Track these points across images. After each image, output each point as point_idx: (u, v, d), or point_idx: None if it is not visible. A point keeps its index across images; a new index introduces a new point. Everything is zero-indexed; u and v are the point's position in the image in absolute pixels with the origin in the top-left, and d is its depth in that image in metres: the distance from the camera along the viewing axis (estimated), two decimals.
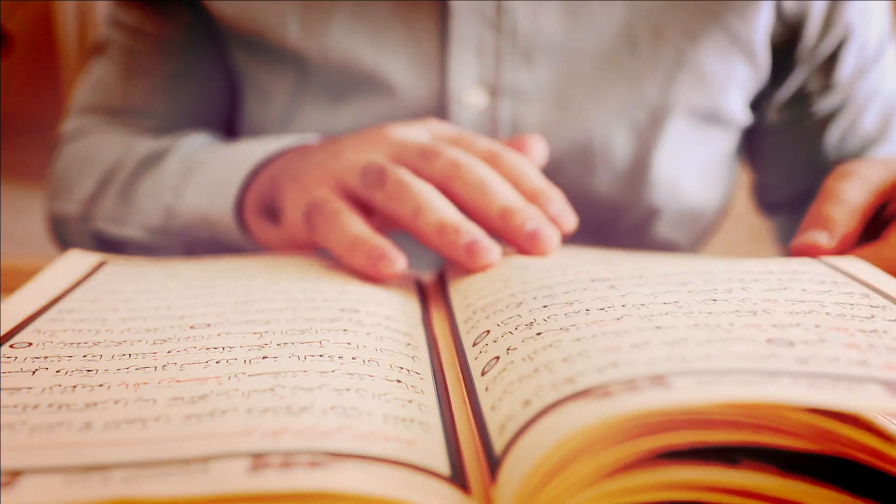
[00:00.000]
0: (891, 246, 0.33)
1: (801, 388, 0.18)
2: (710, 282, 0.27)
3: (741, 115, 0.51)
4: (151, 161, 0.48)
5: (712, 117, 0.50)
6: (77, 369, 0.24)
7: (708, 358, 0.20)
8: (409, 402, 0.24)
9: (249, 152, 0.43)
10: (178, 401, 0.22)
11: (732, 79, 0.49)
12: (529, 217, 0.34)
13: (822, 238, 0.33)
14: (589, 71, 0.48)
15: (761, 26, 0.47)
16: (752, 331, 0.22)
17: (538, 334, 0.24)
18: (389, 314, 0.31)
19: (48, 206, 0.53)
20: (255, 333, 0.27)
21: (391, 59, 0.47)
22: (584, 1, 0.46)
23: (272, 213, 0.40)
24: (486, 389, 0.23)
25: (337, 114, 0.50)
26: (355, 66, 0.48)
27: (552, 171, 0.49)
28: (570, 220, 0.36)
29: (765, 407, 0.19)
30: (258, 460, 0.18)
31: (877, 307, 0.25)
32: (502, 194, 0.34)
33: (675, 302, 0.25)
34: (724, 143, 0.53)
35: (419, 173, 0.35)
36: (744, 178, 0.60)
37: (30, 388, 0.23)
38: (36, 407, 0.22)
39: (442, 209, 0.34)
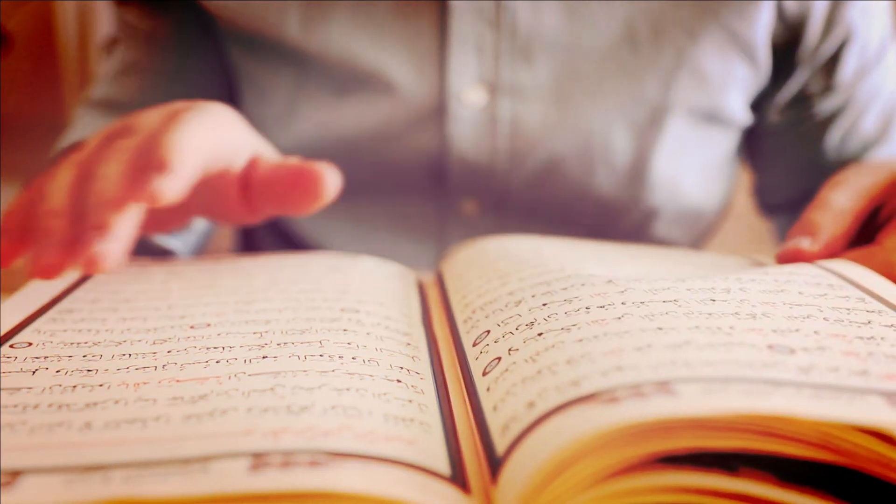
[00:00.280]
0: (885, 250, 0.33)
1: (805, 399, 0.18)
2: (708, 279, 0.28)
3: (741, 116, 0.51)
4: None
5: (712, 117, 0.50)
6: (77, 369, 0.24)
7: (711, 364, 0.20)
8: (410, 401, 0.24)
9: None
10: (178, 400, 0.22)
11: (732, 79, 0.49)
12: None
13: (804, 243, 0.33)
14: (589, 69, 0.48)
15: (762, 27, 0.47)
16: (752, 336, 0.22)
17: (539, 335, 0.24)
18: (389, 314, 0.31)
19: None
20: (255, 333, 0.27)
21: (391, 56, 0.47)
22: (585, 0, 0.47)
23: None
24: (488, 390, 0.23)
25: (336, 111, 0.50)
26: (355, 63, 0.48)
27: (552, 171, 0.49)
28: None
29: (769, 417, 0.19)
30: (258, 460, 0.18)
31: (873, 312, 0.25)
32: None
33: (675, 300, 0.25)
34: (724, 143, 0.53)
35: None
36: (744, 178, 0.60)
37: (30, 388, 0.23)
38: (36, 407, 0.22)
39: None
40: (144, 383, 0.23)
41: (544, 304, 0.27)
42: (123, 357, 0.26)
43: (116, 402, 0.22)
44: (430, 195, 0.52)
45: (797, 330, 0.23)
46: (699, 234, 0.56)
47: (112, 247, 0.27)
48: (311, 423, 0.21)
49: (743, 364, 0.21)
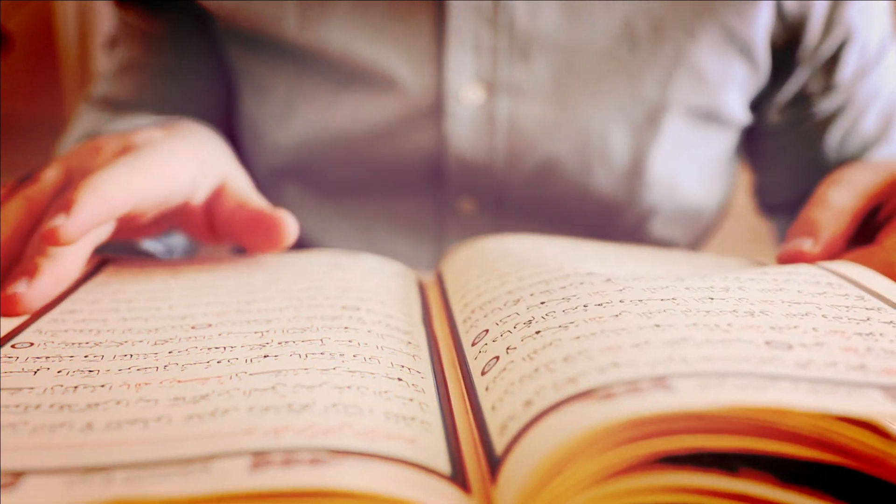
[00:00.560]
0: (885, 249, 0.33)
1: (802, 393, 0.18)
2: (706, 278, 0.27)
3: (740, 115, 0.51)
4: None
5: (710, 116, 0.50)
6: (78, 370, 0.24)
7: (708, 359, 0.20)
8: (410, 400, 0.23)
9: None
10: (180, 401, 0.22)
11: (731, 78, 0.49)
12: None
13: (805, 244, 0.33)
14: (587, 68, 0.48)
15: (761, 26, 0.47)
16: (750, 332, 0.22)
17: (537, 333, 0.24)
18: (391, 312, 0.31)
19: None
20: (256, 333, 0.27)
21: (389, 54, 0.47)
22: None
23: None
24: (487, 389, 0.23)
25: (335, 109, 0.50)
26: (353, 61, 0.48)
27: (550, 170, 0.49)
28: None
29: (766, 411, 0.19)
30: (259, 458, 0.18)
31: (872, 309, 0.25)
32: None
33: (673, 299, 0.25)
34: (723, 142, 0.53)
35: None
36: (744, 178, 0.60)
37: (31, 388, 0.23)
38: (38, 407, 0.22)
39: None
40: (146, 384, 0.23)
41: (542, 303, 0.26)
42: (125, 357, 0.26)
43: (118, 402, 0.22)
44: (428, 194, 0.52)
45: (795, 327, 0.23)
46: (698, 233, 0.56)
47: (34, 289, 0.29)
48: (313, 421, 0.21)
49: (740, 360, 0.20)
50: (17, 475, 0.18)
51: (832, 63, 0.50)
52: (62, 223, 0.28)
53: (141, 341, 0.27)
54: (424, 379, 0.26)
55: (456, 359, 0.27)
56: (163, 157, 0.34)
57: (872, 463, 0.19)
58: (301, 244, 0.56)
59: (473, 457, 0.21)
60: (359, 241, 0.53)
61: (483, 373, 0.24)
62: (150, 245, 0.50)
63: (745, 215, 0.67)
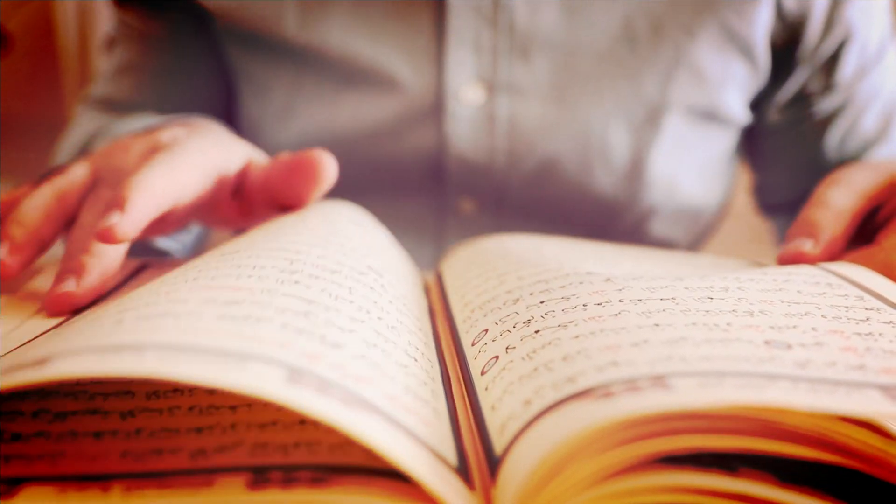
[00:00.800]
0: (884, 250, 0.33)
1: (801, 392, 0.18)
2: (706, 278, 0.27)
3: (740, 115, 0.51)
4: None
5: (711, 116, 0.50)
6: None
7: (707, 359, 0.20)
8: (425, 383, 0.23)
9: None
10: (211, 303, 0.22)
11: (731, 77, 0.49)
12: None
13: (806, 245, 0.33)
14: (587, 68, 0.47)
15: (761, 26, 0.47)
16: (749, 332, 0.22)
17: (536, 332, 0.24)
18: (406, 294, 0.30)
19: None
20: (286, 259, 0.27)
21: (389, 54, 0.47)
22: None
23: None
24: (486, 389, 0.23)
25: (335, 109, 0.50)
26: (353, 61, 0.48)
27: (550, 169, 0.49)
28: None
29: (765, 410, 0.19)
30: (296, 375, 0.18)
31: (871, 310, 0.25)
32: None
33: (672, 298, 0.25)
34: (723, 142, 0.53)
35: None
36: (744, 178, 0.60)
37: None
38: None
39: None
40: (175, 290, 0.23)
41: (542, 303, 0.26)
42: (153, 281, 0.25)
43: (147, 304, 0.22)
44: (428, 194, 0.52)
45: (794, 327, 0.23)
46: (698, 233, 0.56)
47: (82, 287, 0.30)
48: (344, 362, 0.20)
49: (739, 359, 0.20)
50: (44, 359, 0.18)
51: (832, 63, 0.50)
52: (117, 221, 0.29)
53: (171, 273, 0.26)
54: (434, 368, 0.26)
55: (456, 358, 0.27)
56: (194, 153, 0.34)
57: (872, 462, 0.19)
58: None
59: (474, 456, 0.21)
60: None
61: (483, 373, 0.24)
62: (164, 243, 0.50)
63: (745, 215, 0.67)
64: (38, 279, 0.35)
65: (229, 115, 0.57)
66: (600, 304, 0.25)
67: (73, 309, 0.30)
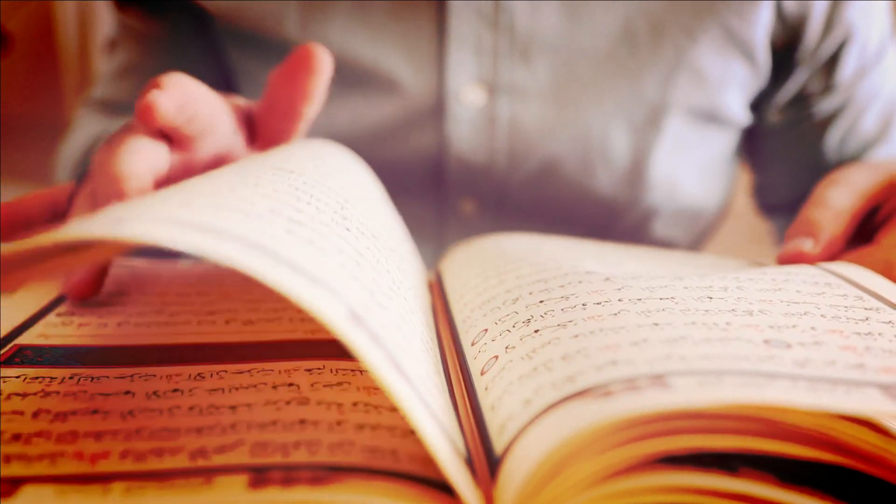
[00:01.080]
0: (883, 249, 0.33)
1: (801, 391, 0.18)
2: (705, 278, 0.27)
3: (740, 115, 0.51)
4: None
5: (711, 117, 0.50)
6: None
7: (707, 358, 0.20)
8: (438, 373, 0.24)
9: None
10: (278, 214, 0.21)
11: (731, 78, 0.49)
12: None
13: (806, 244, 0.33)
14: (588, 69, 0.47)
15: (761, 27, 0.47)
16: (749, 331, 0.22)
17: (536, 331, 0.24)
18: (415, 287, 0.31)
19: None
20: (337, 202, 0.26)
21: (389, 56, 0.47)
22: (583, 0, 0.46)
23: None
24: (486, 389, 0.23)
25: (336, 110, 0.50)
26: (354, 62, 0.48)
27: (551, 171, 0.49)
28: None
29: (765, 409, 0.19)
30: (355, 318, 0.18)
31: (870, 309, 0.25)
32: None
33: (672, 298, 0.25)
34: (724, 142, 0.53)
35: None
36: (744, 178, 0.60)
37: None
38: None
39: None
40: (238, 189, 0.23)
41: (541, 302, 0.26)
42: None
43: (213, 193, 0.21)
44: (428, 195, 0.52)
45: (794, 326, 0.23)
46: (699, 233, 0.56)
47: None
48: (389, 324, 0.20)
49: (739, 358, 0.20)
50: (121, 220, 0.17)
51: (832, 63, 0.50)
52: (157, 95, 0.28)
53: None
54: (438, 364, 0.26)
55: (456, 359, 0.27)
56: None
57: (872, 461, 0.19)
58: None
59: (473, 457, 0.21)
60: None
61: (482, 372, 0.24)
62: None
63: (745, 215, 0.67)
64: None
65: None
66: (600, 303, 0.25)
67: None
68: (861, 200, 0.35)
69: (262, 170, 0.26)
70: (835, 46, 0.49)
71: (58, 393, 0.23)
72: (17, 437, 0.20)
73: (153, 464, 0.19)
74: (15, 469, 0.19)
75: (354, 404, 0.23)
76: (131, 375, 0.24)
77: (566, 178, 0.49)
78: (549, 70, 0.47)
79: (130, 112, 0.52)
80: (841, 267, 0.30)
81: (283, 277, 0.17)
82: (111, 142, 0.31)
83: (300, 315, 0.30)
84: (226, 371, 0.25)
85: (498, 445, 0.20)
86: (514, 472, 0.18)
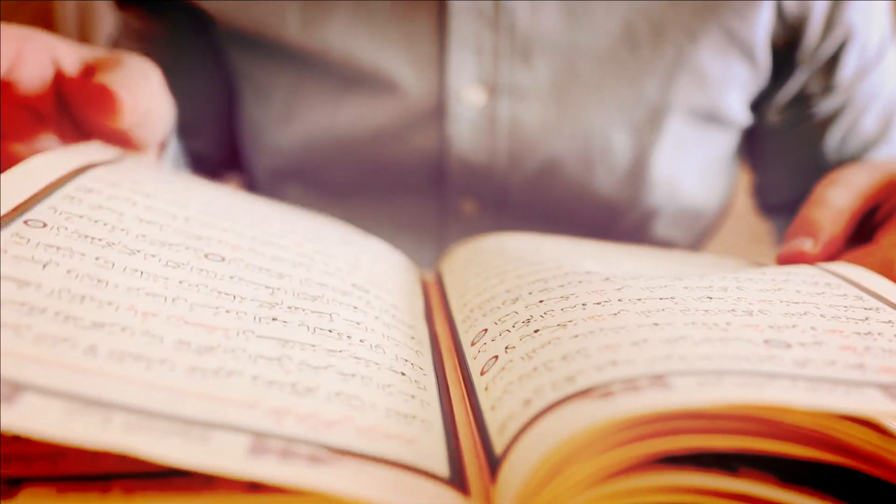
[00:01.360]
0: (882, 249, 0.33)
1: (801, 391, 0.18)
2: (705, 278, 0.27)
3: (741, 116, 0.51)
4: None
5: (712, 117, 0.50)
6: (88, 274, 0.23)
7: (707, 358, 0.20)
8: (413, 397, 0.23)
9: None
10: (185, 346, 0.21)
11: (732, 79, 0.49)
12: None
13: (806, 244, 0.33)
14: (588, 69, 0.47)
15: (762, 27, 0.47)
16: (749, 331, 0.22)
17: (536, 331, 0.24)
18: (396, 303, 0.30)
19: None
20: (267, 288, 0.26)
21: (390, 56, 0.47)
22: (584, 0, 0.46)
23: None
24: (486, 389, 0.23)
25: (336, 111, 0.50)
26: (354, 63, 0.48)
27: (551, 171, 0.49)
28: None
29: (765, 409, 0.19)
30: (259, 442, 0.18)
31: (870, 309, 0.25)
32: None
33: (672, 298, 0.25)
34: (724, 143, 0.53)
35: None
36: (744, 179, 0.60)
37: (39, 285, 0.22)
38: (43, 311, 0.20)
39: None
40: (153, 314, 0.22)
41: (541, 302, 0.26)
42: (136, 274, 0.24)
43: (123, 329, 0.21)
44: (429, 195, 0.52)
45: (794, 326, 0.23)
46: (699, 234, 0.56)
47: None
48: (315, 409, 0.20)
49: (739, 358, 0.20)
50: (17, 388, 0.17)
51: (832, 63, 0.50)
52: (126, 97, 0.30)
53: (153, 256, 0.26)
54: (426, 376, 0.26)
55: (456, 359, 0.27)
56: None
57: (872, 461, 0.19)
58: None
59: (473, 457, 0.21)
60: None
61: (482, 372, 0.24)
62: None
63: (745, 215, 0.67)
64: None
65: (230, 116, 0.57)
66: (599, 303, 0.25)
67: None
68: (860, 200, 0.36)
69: (194, 256, 0.27)
70: (835, 47, 0.49)
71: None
72: (17, 437, 0.20)
73: (153, 464, 0.19)
74: (15, 469, 0.19)
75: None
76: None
77: (567, 178, 0.49)
78: (549, 70, 0.47)
79: None
80: (840, 267, 0.30)
81: (171, 445, 0.17)
82: None
83: None
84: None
85: (498, 445, 0.20)
86: (514, 473, 0.18)
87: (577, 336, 0.23)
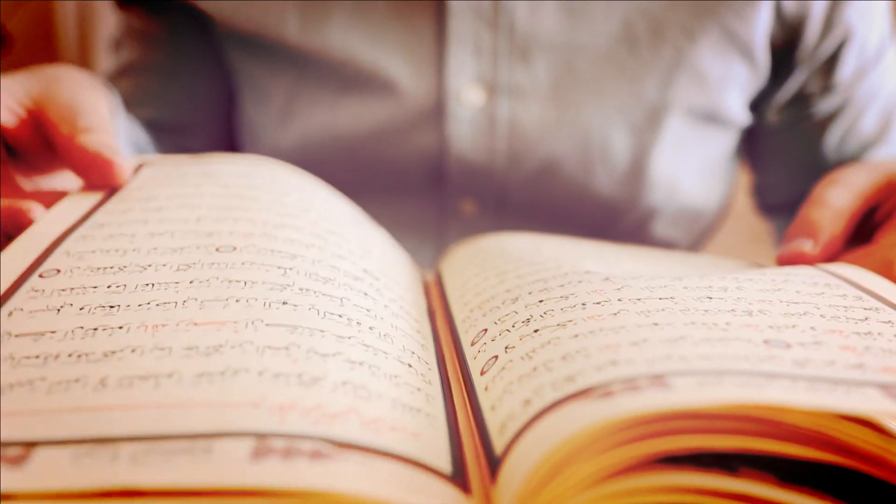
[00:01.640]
0: (881, 249, 0.33)
1: (801, 391, 0.18)
2: (705, 278, 0.27)
3: (740, 116, 0.51)
4: None
5: (711, 117, 0.50)
6: (100, 305, 0.23)
7: (707, 358, 0.20)
8: (418, 389, 0.23)
9: None
10: (193, 351, 0.21)
11: (731, 79, 0.49)
12: None
13: (806, 245, 0.33)
14: (588, 69, 0.47)
15: (761, 27, 0.47)
16: (749, 331, 0.22)
17: (535, 331, 0.24)
18: (404, 296, 0.30)
19: None
20: (279, 269, 0.26)
21: (389, 57, 0.47)
22: (583, 0, 0.46)
23: None
24: (486, 389, 0.23)
25: (335, 112, 0.50)
26: (354, 64, 0.48)
27: (551, 171, 0.49)
28: None
29: (765, 409, 0.19)
30: (262, 444, 0.18)
31: (870, 309, 0.25)
32: None
33: (672, 297, 0.25)
34: (724, 143, 0.53)
35: None
36: (744, 179, 0.60)
37: (53, 332, 0.22)
38: (57, 357, 0.21)
39: None
40: (163, 325, 0.23)
41: (541, 301, 0.26)
42: (147, 288, 0.24)
43: (133, 350, 0.21)
44: (429, 195, 0.52)
45: (794, 326, 0.23)
46: (699, 233, 0.56)
47: None
48: (320, 401, 0.20)
49: (738, 358, 0.20)
50: (30, 446, 0.18)
51: (831, 63, 0.50)
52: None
53: (164, 265, 0.26)
54: (431, 370, 0.25)
55: (456, 358, 0.27)
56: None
57: (872, 461, 0.19)
58: None
59: (473, 456, 0.21)
60: None
61: (482, 372, 0.24)
62: None
63: (745, 215, 0.67)
64: None
65: (230, 115, 0.57)
66: (599, 303, 0.25)
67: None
68: (860, 200, 0.36)
69: (205, 251, 0.27)
70: (834, 47, 0.49)
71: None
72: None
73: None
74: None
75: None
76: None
77: (566, 178, 0.49)
78: (548, 70, 0.47)
79: (130, 110, 0.52)
80: (840, 267, 0.30)
81: (175, 467, 0.17)
82: None
83: None
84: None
85: (498, 445, 0.20)
86: (514, 473, 0.18)
87: (576, 336, 0.23)
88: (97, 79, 0.38)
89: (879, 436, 0.19)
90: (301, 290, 0.25)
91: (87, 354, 0.21)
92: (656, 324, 0.23)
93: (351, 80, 0.48)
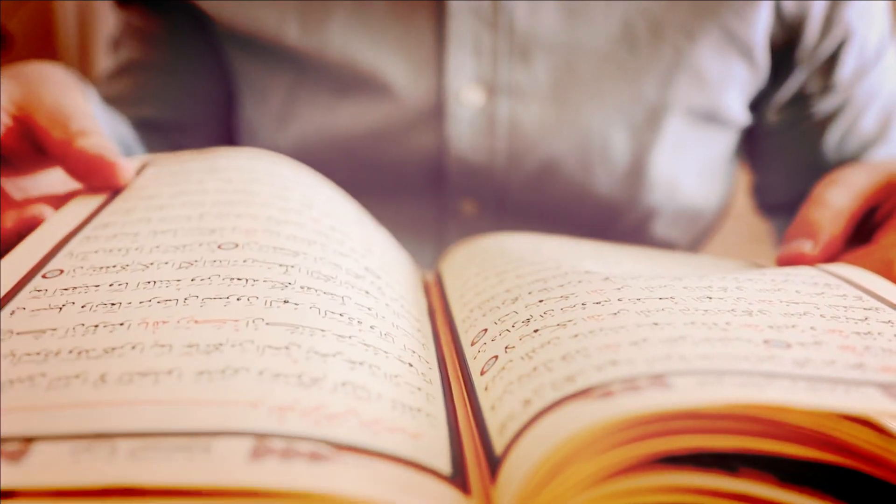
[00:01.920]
0: (881, 249, 0.33)
1: (801, 391, 0.18)
2: (705, 278, 0.27)
3: (740, 116, 0.51)
4: None
5: (711, 117, 0.50)
6: (102, 303, 0.23)
7: (706, 358, 0.20)
8: (419, 389, 0.23)
9: None
10: (193, 349, 0.21)
11: (731, 79, 0.49)
12: None
13: (805, 246, 0.33)
14: (587, 69, 0.48)
15: (761, 27, 0.47)
16: (748, 331, 0.22)
17: (535, 331, 0.24)
18: (405, 295, 0.30)
19: None
20: (281, 266, 0.26)
21: (389, 57, 0.47)
22: (583, 0, 0.46)
23: None
24: (486, 389, 0.23)
25: (335, 112, 0.50)
26: (353, 65, 0.48)
27: (551, 171, 0.49)
28: None
29: (765, 409, 0.19)
30: (260, 444, 0.18)
31: (870, 309, 0.25)
32: None
33: (671, 297, 0.25)
34: (723, 143, 0.53)
35: None
36: (744, 179, 0.60)
37: (54, 329, 0.22)
38: (57, 353, 0.21)
39: None
40: (164, 322, 0.23)
41: (541, 301, 0.26)
42: (148, 286, 0.25)
43: (133, 347, 0.21)
44: (428, 196, 0.52)
45: (794, 326, 0.23)
46: (698, 234, 0.56)
47: None
48: (320, 402, 0.20)
49: (738, 358, 0.20)
50: (28, 441, 0.18)
51: (831, 63, 0.50)
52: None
53: (166, 263, 0.26)
54: (432, 370, 0.25)
55: (456, 358, 0.27)
56: None
57: (872, 461, 0.19)
58: None
59: (473, 456, 0.21)
60: None
61: (482, 372, 0.24)
62: None
63: (745, 215, 0.67)
64: None
65: (229, 115, 0.57)
66: (599, 302, 0.25)
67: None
68: (860, 200, 0.36)
69: (208, 248, 0.27)
70: (833, 46, 0.49)
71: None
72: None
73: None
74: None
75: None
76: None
77: (566, 178, 0.49)
78: (548, 70, 0.47)
79: (130, 108, 0.52)
80: (840, 268, 0.30)
81: (173, 466, 0.17)
82: None
83: None
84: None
85: (498, 445, 0.20)
86: (514, 473, 0.18)
87: (576, 336, 0.23)
88: (71, 72, 0.38)
89: (879, 436, 0.19)
90: (303, 288, 0.25)
91: (87, 351, 0.21)
92: (656, 324, 0.23)
93: (350, 80, 0.49)
